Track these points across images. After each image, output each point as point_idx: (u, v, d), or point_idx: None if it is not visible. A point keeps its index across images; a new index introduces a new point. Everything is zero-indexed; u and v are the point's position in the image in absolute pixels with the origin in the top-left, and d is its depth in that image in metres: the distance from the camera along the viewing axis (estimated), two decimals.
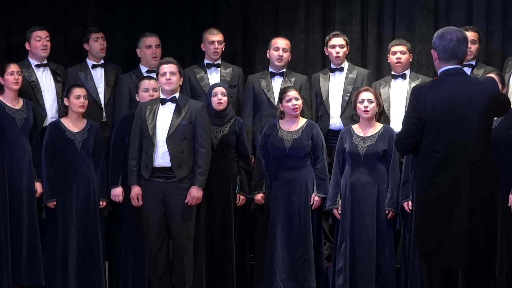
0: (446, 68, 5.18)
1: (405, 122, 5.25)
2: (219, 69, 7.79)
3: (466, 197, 5.06)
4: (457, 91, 5.10)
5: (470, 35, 7.12)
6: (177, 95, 6.77)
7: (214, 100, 7.10)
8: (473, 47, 7.27)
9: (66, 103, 7.16)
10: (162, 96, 6.80)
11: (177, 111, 6.72)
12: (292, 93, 7.14)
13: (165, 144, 6.67)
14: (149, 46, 7.72)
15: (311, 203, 7.10)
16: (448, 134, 5.08)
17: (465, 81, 5.15)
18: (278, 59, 7.66)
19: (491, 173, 5.19)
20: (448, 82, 5.13)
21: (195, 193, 6.68)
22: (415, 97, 5.16)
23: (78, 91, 7.13)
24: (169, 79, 6.69)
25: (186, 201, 6.66)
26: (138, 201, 6.80)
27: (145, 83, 7.09)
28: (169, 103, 6.75)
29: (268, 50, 7.75)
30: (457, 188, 5.07)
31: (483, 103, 5.10)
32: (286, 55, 7.70)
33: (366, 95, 6.97)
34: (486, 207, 5.12)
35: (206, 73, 7.79)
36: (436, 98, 5.10)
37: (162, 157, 6.68)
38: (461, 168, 5.07)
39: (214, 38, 7.75)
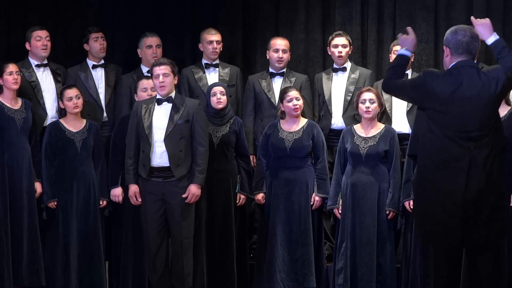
0: (458, 61, 5.25)
1: (407, 87, 5.35)
2: (217, 69, 7.80)
3: (463, 179, 5.14)
4: (465, 83, 5.17)
5: None
6: (173, 94, 6.74)
7: (213, 99, 7.10)
8: None
9: (61, 105, 7.16)
10: (158, 96, 6.77)
11: (174, 111, 6.70)
12: (293, 93, 7.14)
13: (163, 144, 6.65)
14: (149, 46, 7.72)
15: (312, 203, 7.11)
16: (452, 117, 5.16)
17: (476, 74, 5.21)
18: (278, 61, 7.67)
19: (500, 160, 5.25)
20: (459, 73, 5.20)
21: (194, 190, 6.66)
22: (425, 81, 5.24)
23: (69, 93, 7.12)
24: (163, 81, 6.64)
25: (185, 196, 6.63)
26: (137, 199, 6.79)
27: (144, 83, 7.08)
28: (165, 103, 6.73)
29: (267, 51, 7.76)
30: (457, 170, 5.15)
31: (491, 95, 5.18)
32: (286, 56, 7.71)
33: (367, 95, 6.98)
34: (488, 189, 5.19)
35: (204, 73, 7.80)
36: (443, 87, 5.17)
37: (160, 157, 6.66)
38: (463, 151, 5.15)
39: (213, 38, 7.74)
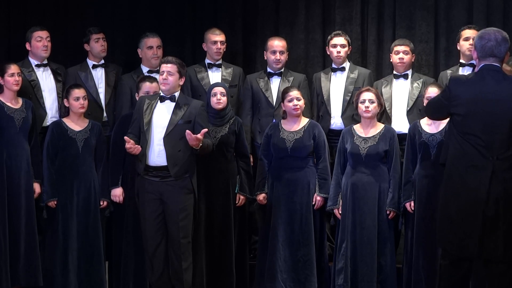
0: (483, 65, 5.32)
1: (437, 99, 5.49)
2: (220, 69, 7.80)
3: (485, 189, 5.18)
4: (489, 87, 5.22)
5: (472, 33, 7.18)
6: (177, 94, 6.73)
7: (213, 100, 7.09)
8: None
9: (66, 104, 7.15)
10: (161, 93, 6.77)
11: (176, 110, 6.69)
12: (294, 93, 7.14)
13: (162, 143, 6.63)
14: (150, 47, 7.72)
15: (313, 203, 7.11)
16: (473, 124, 5.20)
17: (501, 78, 5.27)
18: (275, 62, 7.67)
19: None
20: (483, 76, 5.28)
21: (197, 139, 6.45)
22: (449, 86, 5.32)
23: (77, 93, 7.11)
24: (166, 79, 6.65)
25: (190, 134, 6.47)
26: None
27: (146, 86, 7.06)
28: (167, 101, 6.72)
29: (265, 52, 7.76)
30: (479, 179, 5.18)
31: None
32: (283, 57, 7.71)
33: (367, 95, 6.98)
34: (503, 201, 5.22)
35: (207, 72, 7.80)
36: (466, 91, 5.23)
37: (158, 156, 6.64)
38: (486, 161, 5.18)
39: (217, 38, 7.75)
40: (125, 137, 6.57)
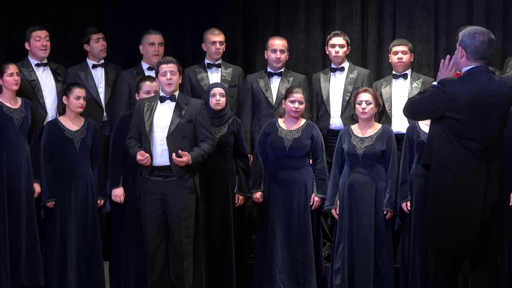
0: (473, 67, 5.18)
1: (425, 102, 5.22)
2: (219, 69, 7.80)
3: (482, 192, 5.12)
4: (484, 89, 5.13)
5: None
6: (176, 93, 6.73)
7: (212, 100, 7.09)
8: None
9: (64, 101, 7.13)
10: (161, 94, 6.76)
11: (177, 110, 6.69)
12: (298, 96, 7.11)
13: (165, 143, 6.63)
14: (152, 43, 7.73)
15: (311, 203, 7.10)
16: (472, 129, 5.12)
17: (492, 80, 5.17)
18: (276, 61, 7.67)
19: (504, 169, 5.27)
20: (476, 79, 5.14)
21: (186, 158, 6.55)
22: (445, 90, 5.14)
23: (79, 92, 7.11)
24: (170, 79, 6.64)
25: (175, 157, 6.55)
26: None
27: (147, 85, 7.06)
28: (168, 101, 6.71)
29: (265, 51, 7.76)
30: (476, 182, 5.13)
31: (507, 102, 5.17)
32: (283, 56, 7.71)
33: (364, 96, 6.96)
34: (498, 201, 5.20)
35: (206, 72, 7.80)
36: (463, 94, 5.11)
37: (160, 156, 6.64)
38: (482, 164, 5.13)
39: (216, 39, 7.75)
40: (141, 152, 6.59)
